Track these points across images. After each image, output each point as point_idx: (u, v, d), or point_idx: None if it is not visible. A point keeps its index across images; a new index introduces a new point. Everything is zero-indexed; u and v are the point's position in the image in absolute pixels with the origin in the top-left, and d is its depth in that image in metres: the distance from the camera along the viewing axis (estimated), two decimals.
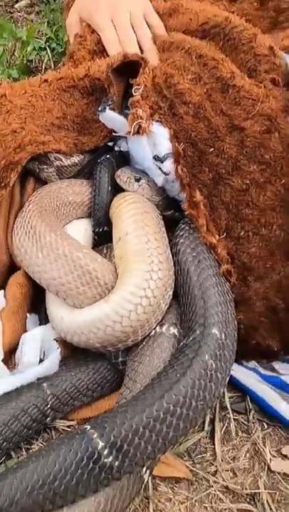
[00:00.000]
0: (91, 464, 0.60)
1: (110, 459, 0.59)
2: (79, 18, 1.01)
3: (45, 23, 1.61)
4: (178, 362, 0.68)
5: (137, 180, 0.85)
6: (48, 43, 1.43)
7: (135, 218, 0.78)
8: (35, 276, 0.75)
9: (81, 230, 0.84)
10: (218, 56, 0.90)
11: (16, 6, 1.94)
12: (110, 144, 0.90)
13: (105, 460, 0.59)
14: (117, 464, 0.60)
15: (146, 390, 0.66)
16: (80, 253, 0.73)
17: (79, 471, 0.59)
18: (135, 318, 0.70)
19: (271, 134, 0.83)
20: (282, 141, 0.83)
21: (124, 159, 0.89)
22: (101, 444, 0.59)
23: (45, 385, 0.71)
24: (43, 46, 1.40)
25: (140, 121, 0.79)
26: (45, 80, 0.90)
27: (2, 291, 0.77)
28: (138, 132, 0.81)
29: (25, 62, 1.34)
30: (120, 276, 0.74)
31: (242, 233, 0.82)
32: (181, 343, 0.71)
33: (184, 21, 1.00)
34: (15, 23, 1.60)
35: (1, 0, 1.95)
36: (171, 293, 0.75)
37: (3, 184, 0.80)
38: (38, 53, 1.38)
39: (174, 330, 0.74)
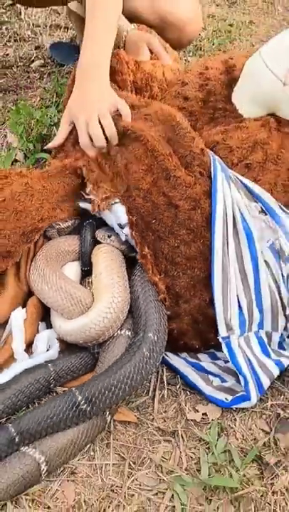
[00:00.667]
0: (73, 409, 1.08)
1: (85, 406, 1.08)
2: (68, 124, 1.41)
3: (54, 95, 2.09)
4: (128, 352, 1.16)
5: (109, 236, 1.33)
6: (57, 116, 1.92)
7: (106, 263, 1.26)
8: (43, 300, 1.24)
9: (73, 269, 1.32)
10: (166, 151, 1.34)
11: (31, 65, 2.43)
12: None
13: (81, 406, 1.08)
14: (88, 409, 1.08)
15: (109, 368, 1.14)
16: (70, 286, 1.21)
17: (66, 412, 1.08)
18: (103, 326, 1.19)
19: (196, 210, 1.28)
20: (202, 215, 1.28)
21: (102, 221, 1.37)
22: (80, 398, 1.08)
23: (50, 365, 1.19)
24: (53, 123, 1.88)
25: (98, 205, 1.27)
26: (53, 169, 1.38)
27: (24, 309, 1.26)
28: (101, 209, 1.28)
29: (39, 134, 1.83)
30: (95, 300, 1.22)
31: (175, 273, 1.26)
32: (131, 341, 1.19)
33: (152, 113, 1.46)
34: (31, 102, 2.08)
35: (19, 61, 2.44)
36: (126, 310, 1.22)
37: (29, 241, 1.28)
38: (49, 127, 1.87)
39: (128, 333, 1.22)
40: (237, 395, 1.21)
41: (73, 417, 1.09)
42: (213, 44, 2.73)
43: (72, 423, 1.09)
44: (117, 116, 1.35)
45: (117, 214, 1.28)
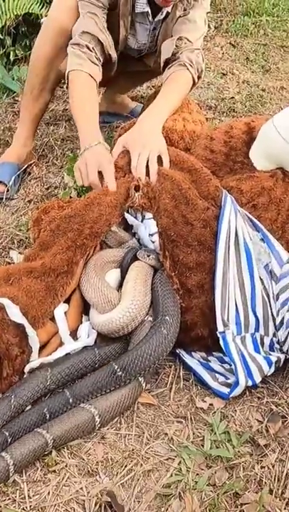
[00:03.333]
0: (111, 376, 1.42)
1: (120, 373, 1.42)
2: (122, 147, 1.81)
3: None
4: (150, 332, 1.49)
5: (148, 256, 1.68)
6: None
7: (133, 275, 1.61)
8: (85, 297, 1.61)
9: (115, 275, 1.68)
10: (187, 186, 1.70)
11: None
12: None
13: (118, 373, 1.42)
14: (123, 375, 1.42)
15: (137, 344, 1.48)
16: (105, 288, 1.57)
17: (106, 379, 1.42)
18: (123, 321, 1.52)
19: (206, 228, 1.64)
20: (211, 232, 1.63)
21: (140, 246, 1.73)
22: (116, 367, 1.42)
23: (95, 349, 1.53)
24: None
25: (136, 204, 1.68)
26: None
27: (65, 304, 1.61)
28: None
29: None
30: (121, 301, 1.57)
31: (188, 274, 1.60)
32: (152, 324, 1.52)
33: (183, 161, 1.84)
34: None
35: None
36: (144, 311, 1.54)
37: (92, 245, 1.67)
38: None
39: (150, 318, 1.56)
40: (231, 384, 1.50)
41: (112, 382, 1.43)
42: (245, 107, 3.12)
43: (111, 387, 1.43)
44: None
45: (149, 226, 1.68)
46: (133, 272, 1.63)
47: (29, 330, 1.48)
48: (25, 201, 2.26)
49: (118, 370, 1.42)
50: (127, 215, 1.75)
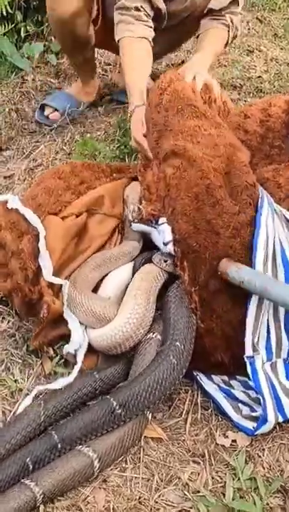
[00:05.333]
0: (109, 414, 1.18)
1: (120, 411, 1.18)
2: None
3: (118, 129, 2.25)
4: (156, 360, 1.26)
5: (165, 261, 1.43)
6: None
7: (137, 284, 1.39)
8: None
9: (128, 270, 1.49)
10: (217, 183, 1.39)
11: (101, 101, 2.59)
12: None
13: (116, 411, 1.17)
14: (123, 413, 1.19)
15: (139, 375, 1.24)
16: (93, 305, 1.37)
17: (103, 418, 1.17)
18: (118, 338, 1.30)
19: (236, 238, 1.35)
20: (241, 243, 1.35)
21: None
22: (114, 403, 1.18)
23: (95, 373, 1.31)
24: (114, 155, 2.03)
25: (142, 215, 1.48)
26: None
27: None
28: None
29: None
30: (117, 314, 1.34)
31: (213, 288, 1.34)
32: (159, 349, 1.28)
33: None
34: (96, 135, 2.25)
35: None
36: (143, 328, 1.32)
37: None
38: (111, 160, 2.01)
39: (159, 337, 1.33)
40: (259, 419, 1.25)
41: (110, 422, 1.19)
42: (274, 86, 2.83)
43: (109, 427, 1.19)
44: None
45: (164, 233, 1.41)
46: (136, 281, 1.39)
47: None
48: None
49: (117, 407, 1.18)
50: (134, 226, 1.53)
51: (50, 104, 2.35)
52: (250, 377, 1.29)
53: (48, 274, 1.40)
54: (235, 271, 1.31)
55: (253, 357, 1.30)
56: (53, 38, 2.93)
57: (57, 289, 1.42)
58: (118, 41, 1.92)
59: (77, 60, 2.34)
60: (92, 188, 1.64)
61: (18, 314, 1.51)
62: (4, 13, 2.70)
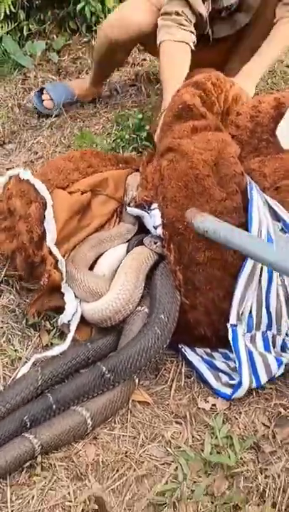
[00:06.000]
0: (99, 378, 1.30)
1: (109, 375, 1.30)
2: None
3: (115, 124, 2.37)
4: (142, 331, 1.38)
5: (155, 243, 1.56)
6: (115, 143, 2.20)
7: (128, 263, 1.52)
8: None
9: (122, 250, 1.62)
10: (206, 173, 1.52)
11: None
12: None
13: (106, 376, 1.30)
14: (112, 377, 1.31)
15: (127, 344, 1.37)
16: (87, 281, 1.49)
17: (94, 382, 1.30)
18: (108, 312, 1.43)
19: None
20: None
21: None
22: (104, 369, 1.30)
23: (88, 343, 1.43)
24: (111, 148, 2.15)
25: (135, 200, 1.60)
26: None
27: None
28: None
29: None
30: (109, 290, 1.47)
31: (195, 269, 1.46)
32: (146, 321, 1.41)
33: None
34: (94, 129, 2.37)
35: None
36: (132, 304, 1.44)
37: None
38: (108, 151, 2.13)
39: (146, 310, 1.45)
40: (235, 384, 1.38)
41: (100, 385, 1.32)
42: (267, 84, 2.93)
43: (99, 390, 1.32)
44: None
45: (154, 217, 1.55)
46: (128, 260, 1.52)
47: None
48: None
49: (106, 372, 1.31)
50: (129, 209, 1.66)
51: (48, 92, 2.47)
52: (231, 343, 1.41)
53: (51, 241, 1.54)
54: (200, 221, 1.39)
55: (236, 325, 1.42)
56: (54, 37, 3.06)
57: (56, 261, 1.55)
58: (159, 45, 2.02)
59: (106, 68, 2.47)
60: (98, 172, 1.77)
61: (18, 292, 1.64)
62: (8, 12, 2.83)
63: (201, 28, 2.10)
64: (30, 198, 1.62)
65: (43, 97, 2.48)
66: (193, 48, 2.02)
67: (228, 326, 1.44)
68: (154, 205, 1.58)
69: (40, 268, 1.56)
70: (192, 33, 2.01)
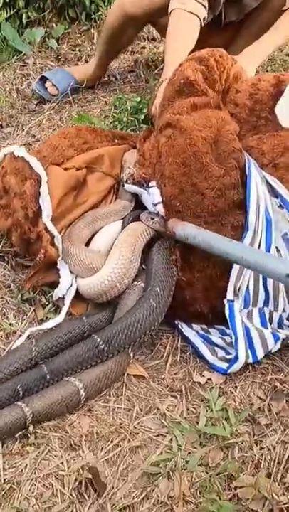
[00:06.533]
0: (93, 349, 1.30)
1: (103, 346, 1.29)
2: None
3: (113, 107, 2.36)
4: (138, 303, 1.38)
5: (152, 219, 1.55)
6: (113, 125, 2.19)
7: (123, 238, 1.51)
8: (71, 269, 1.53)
9: (114, 228, 1.61)
10: (204, 150, 1.50)
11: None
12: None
13: (100, 347, 1.29)
14: (106, 348, 1.30)
15: (123, 316, 1.36)
16: (84, 256, 1.49)
17: (88, 353, 1.29)
18: (103, 287, 1.42)
19: (220, 198, 1.46)
20: (225, 202, 1.45)
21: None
22: (98, 340, 1.29)
23: (84, 317, 1.42)
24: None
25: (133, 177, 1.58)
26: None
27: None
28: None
29: None
30: (103, 266, 1.46)
31: (193, 246, 1.46)
32: (142, 294, 1.40)
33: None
34: (92, 113, 2.36)
35: None
36: (127, 279, 1.43)
37: None
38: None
39: (142, 284, 1.44)
40: (231, 359, 1.37)
41: (94, 356, 1.30)
42: (267, 71, 2.92)
43: (93, 361, 1.31)
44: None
45: (153, 195, 1.54)
46: (123, 236, 1.51)
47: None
48: None
49: (100, 343, 1.30)
50: (127, 186, 1.64)
51: (50, 79, 2.46)
52: (228, 318, 1.40)
53: (46, 217, 1.53)
54: (180, 229, 1.44)
55: (233, 301, 1.41)
56: (54, 25, 3.06)
57: (53, 237, 1.54)
58: (169, 13, 1.99)
59: (115, 46, 2.46)
60: (93, 149, 1.76)
61: (13, 268, 1.63)
62: None
63: (212, 10, 2.10)
64: (25, 175, 1.61)
65: (46, 84, 2.48)
66: (202, 23, 2.00)
67: (225, 301, 1.43)
68: (153, 183, 1.58)
69: (36, 244, 1.56)
70: (204, 7, 1.99)
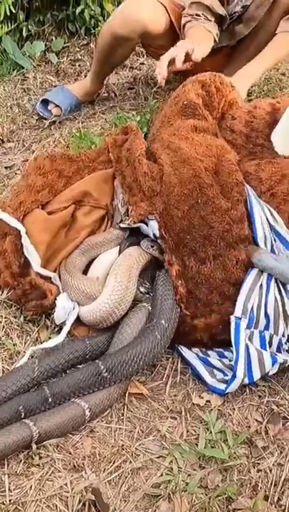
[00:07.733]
0: (96, 376, 1.33)
1: (106, 374, 1.32)
2: None
3: (113, 125, 2.40)
4: (143, 334, 1.41)
5: (152, 246, 1.59)
6: None
7: (118, 264, 1.54)
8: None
9: (110, 257, 1.63)
10: (209, 182, 1.56)
11: (97, 98, 2.74)
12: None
13: (103, 374, 1.32)
14: (109, 376, 1.33)
15: (127, 345, 1.40)
16: (81, 285, 1.54)
17: (91, 379, 1.32)
18: (102, 314, 1.46)
19: (229, 232, 1.51)
20: (232, 236, 1.50)
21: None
22: (102, 367, 1.33)
23: (86, 339, 1.46)
24: None
25: (133, 221, 1.58)
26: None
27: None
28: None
29: None
30: (101, 294, 1.49)
31: (199, 280, 1.50)
32: (146, 326, 1.44)
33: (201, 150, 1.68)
34: (92, 130, 2.40)
35: None
36: (124, 306, 1.47)
37: None
38: None
39: (150, 307, 1.49)
40: (229, 379, 1.41)
41: (96, 383, 1.34)
42: (263, 91, 2.98)
43: (95, 387, 1.34)
44: None
45: (153, 228, 1.57)
46: (119, 261, 1.55)
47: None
48: None
49: (104, 371, 1.34)
50: (122, 226, 1.65)
51: (53, 101, 2.49)
52: (232, 335, 1.42)
53: (36, 266, 1.55)
54: (257, 259, 1.49)
55: (240, 318, 1.44)
56: (53, 38, 3.09)
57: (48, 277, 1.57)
58: (183, 26, 2.16)
59: (106, 65, 2.50)
60: (71, 181, 1.73)
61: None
62: (8, 12, 2.85)
63: (221, 26, 2.22)
64: (3, 230, 1.62)
65: (49, 106, 2.51)
66: (216, 40, 2.17)
67: (232, 317, 1.45)
68: (151, 216, 1.58)
69: (32, 293, 1.57)
70: (214, 25, 2.16)
